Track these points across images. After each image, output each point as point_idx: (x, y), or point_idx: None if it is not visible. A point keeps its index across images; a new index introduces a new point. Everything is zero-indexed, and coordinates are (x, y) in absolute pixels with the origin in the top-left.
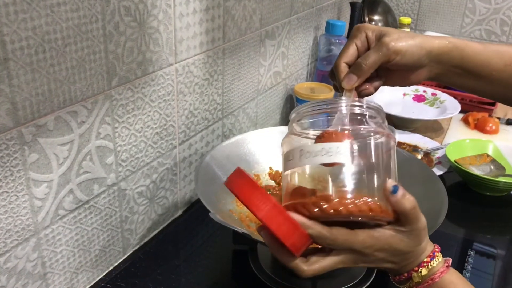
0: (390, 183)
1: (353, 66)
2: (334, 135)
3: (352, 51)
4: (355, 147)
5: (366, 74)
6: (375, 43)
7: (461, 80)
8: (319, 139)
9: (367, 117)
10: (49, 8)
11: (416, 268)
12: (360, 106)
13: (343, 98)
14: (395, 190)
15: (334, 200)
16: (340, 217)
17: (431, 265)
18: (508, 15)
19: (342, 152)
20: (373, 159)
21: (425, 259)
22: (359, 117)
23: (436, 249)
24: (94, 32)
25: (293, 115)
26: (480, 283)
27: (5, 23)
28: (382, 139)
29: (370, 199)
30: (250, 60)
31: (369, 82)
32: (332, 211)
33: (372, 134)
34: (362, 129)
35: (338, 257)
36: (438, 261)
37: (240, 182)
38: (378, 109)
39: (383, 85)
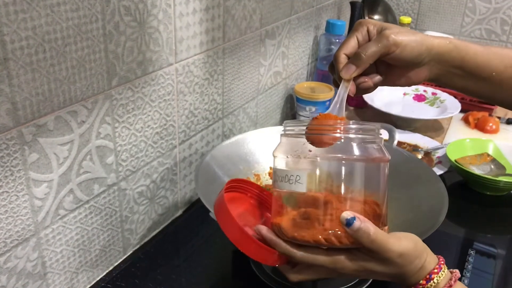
0: (345, 215)
1: (353, 56)
2: (328, 117)
3: (352, 43)
4: (321, 172)
5: (365, 64)
6: (376, 36)
7: (461, 82)
8: (314, 120)
9: (360, 140)
10: (49, 8)
11: None
12: (356, 130)
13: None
14: (349, 222)
15: (293, 227)
16: (301, 242)
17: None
18: (508, 15)
19: (301, 181)
20: (343, 188)
21: (422, 281)
22: (352, 142)
23: (436, 270)
24: (94, 32)
25: (287, 127)
26: (480, 283)
27: (5, 23)
28: (369, 165)
29: (331, 230)
30: (250, 59)
31: (369, 77)
32: (290, 236)
33: (356, 160)
34: (352, 156)
35: (319, 271)
36: (437, 283)
37: (218, 206)
38: (372, 130)
39: (383, 84)
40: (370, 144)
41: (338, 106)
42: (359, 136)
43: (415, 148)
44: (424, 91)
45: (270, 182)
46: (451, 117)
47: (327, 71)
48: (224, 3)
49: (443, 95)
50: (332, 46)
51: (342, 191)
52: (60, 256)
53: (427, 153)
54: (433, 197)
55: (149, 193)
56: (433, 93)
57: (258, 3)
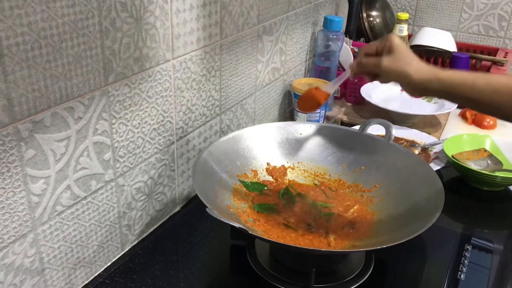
0: None
1: (358, 62)
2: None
3: (373, 47)
4: None
5: (361, 71)
6: (384, 53)
7: (455, 101)
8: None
9: None
10: (45, 4)
11: None
12: None
13: None
14: None
15: None
16: None
17: None
18: (506, 10)
19: None
20: None
21: None
22: None
23: None
24: (90, 28)
25: None
26: (477, 278)
27: (0, 19)
28: None
29: None
30: (248, 56)
31: (370, 77)
32: None
33: None
34: None
35: None
36: None
37: None
38: None
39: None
40: None
41: (334, 82)
42: None
43: (412, 144)
44: None
45: (267, 178)
46: (448, 113)
47: (325, 67)
48: None
49: None
50: (330, 42)
51: None
52: (57, 252)
53: (424, 149)
54: (430, 193)
55: (147, 189)
56: None
57: None
